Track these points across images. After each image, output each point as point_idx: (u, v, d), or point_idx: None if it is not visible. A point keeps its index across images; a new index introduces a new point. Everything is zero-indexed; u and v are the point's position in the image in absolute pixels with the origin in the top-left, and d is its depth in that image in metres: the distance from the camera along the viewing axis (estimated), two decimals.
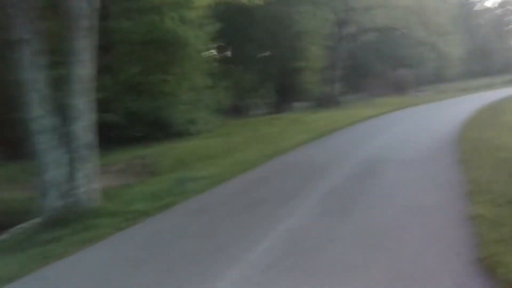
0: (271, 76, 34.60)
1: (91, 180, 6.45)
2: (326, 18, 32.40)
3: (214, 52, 33.84)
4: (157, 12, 15.46)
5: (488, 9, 69.32)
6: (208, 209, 6.69)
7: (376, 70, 41.17)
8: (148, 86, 17.02)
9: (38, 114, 6.05)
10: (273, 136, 16.46)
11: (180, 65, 17.55)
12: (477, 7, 64.00)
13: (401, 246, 4.43)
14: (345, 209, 5.85)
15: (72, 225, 6.08)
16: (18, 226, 7.21)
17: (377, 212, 5.64)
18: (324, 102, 31.94)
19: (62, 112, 6.35)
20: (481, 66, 59.05)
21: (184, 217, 6.43)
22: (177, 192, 7.80)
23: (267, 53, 37.09)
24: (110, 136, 16.03)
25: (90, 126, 6.47)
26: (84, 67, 6.24)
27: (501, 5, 71.86)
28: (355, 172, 8.32)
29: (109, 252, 5.16)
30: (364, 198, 6.39)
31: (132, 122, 16.00)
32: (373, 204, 6.06)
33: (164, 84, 17.27)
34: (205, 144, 15.42)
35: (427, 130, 14.19)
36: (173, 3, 15.76)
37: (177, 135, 17.18)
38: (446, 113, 19.60)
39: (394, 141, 12.36)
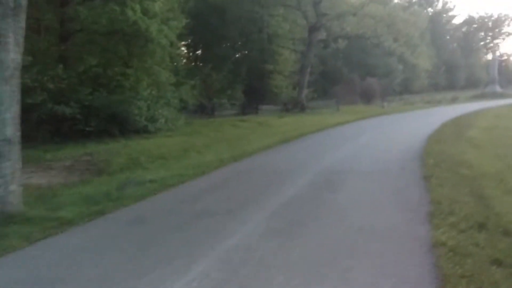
0: (240, 77, 33.99)
1: (9, 181, 5.55)
2: (298, 23, 32.01)
3: (182, 48, 33.03)
4: (119, 2, 14.49)
5: (455, 26, 70.88)
6: (146, 219, 5.89)
7: (345, 78, 41.13)
8: (106, 79, 16.02)
9: None
10: (236, 139, 15.79)
11: (142, 59, 16.61)
12: (445, 23, 65.12)
13: (347, 281, 3.79)
14: (295, 227, 5.18)
15: None
16: None
17: (329, 233, 4.99)
18: (292, 106, 31.47)
19: None
20: (446, 81, 60.21)
21: (114, 228, 5.59)
22: (117, 196, 6.98)
23: (238, 54, 36.49)
24: (62, 130, 15.02)
25: (12, 119, 5.58)
26: (7, 52, 5.36)
27: (466, 23, 73.75)
28: (315, 182, 7.71)
29: (13, 269, 4.31)
30: (319, 214, 5.75)
31: (87, 116, 14.94)
32: (327, 222, 5.42)
33: (124, 78, 16.30)
34: (163, 143, 14.54)
35: (392, 142, 13.73)
36: None
37: (135, 132, 16.21)
38: (412, 125, 19.33)
39: (358, 151, 11.87)
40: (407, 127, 18.40)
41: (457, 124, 17.65)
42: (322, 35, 32.55)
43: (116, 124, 15.98)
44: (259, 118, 24.04)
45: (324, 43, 35.46)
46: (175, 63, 21.91)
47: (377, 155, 11.06)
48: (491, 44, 74.91)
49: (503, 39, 76.90)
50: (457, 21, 72.33)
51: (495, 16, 73.68)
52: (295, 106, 31.27)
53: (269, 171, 9.26)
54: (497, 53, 61.54)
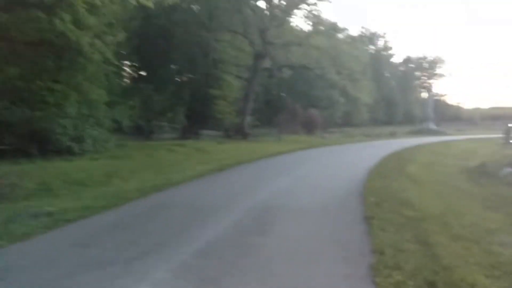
0: (183, 100, 32.76)
1: None
2: (244, 49, 31.52)
3: (125, 68, 31.55)
4: (46, 10, 13.08)
5: (394, 65, 73.83)
6: (11, 271, 4.53)
7: (289, 107, 40.98)
8: (28, 93, 14.39)
9: None
10: (169, 165, 14.60)
11: (71, 74, 15.15)
12: (385, 61, 67.56)
13: None
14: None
15: None
16: None
17: None
18: (234, 133, 30.64)
19: None
20: (385, 116, 62.07)
21: None
22: None
23: (182, 77, 35.34)
24: None
25: None
26: None
27: (405, 62, 77.18)
28: (243, 222, 6.69)
29: None
30: (239, 267, 4.67)
31: (1, 133, 13.26)
32: (247, 281, 4.34)
33: (49, 93, 14.72)
34: (85, 167, 13.08)
35: (332, 175, 13.06)
36: (67, 3, 13.45)
37: (57, 153, 14.59)
38: (352, 158, 18.96)
39: (296, 184, 11.01)
40: (347, 160, 17.96)
41: (397, 159, 17.41)
42: (267, 63, 32.22)
43: (36, 143, 14.34)
44: (198, 143, 22.93)
45: (269, 72, 35.10)
46: (111, 81, 20.43)
47: (315, 189, 10.24)
48: (426, 84, 78.59)
49: (436, 79, 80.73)
50: (396, 60, 75.29)
51: (431, 58, 77.66)
52: (237, 132, 30.47)
53: (192, 207, 8.07)
54: (432, 93, 64.34)
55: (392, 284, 4.20)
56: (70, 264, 4.71)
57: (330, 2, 37.54)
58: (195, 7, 30.42)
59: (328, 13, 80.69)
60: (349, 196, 9.14)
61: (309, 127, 38.63)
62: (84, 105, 16.44)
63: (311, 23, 32.42)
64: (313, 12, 30.44)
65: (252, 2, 30.34)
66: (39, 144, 14.18)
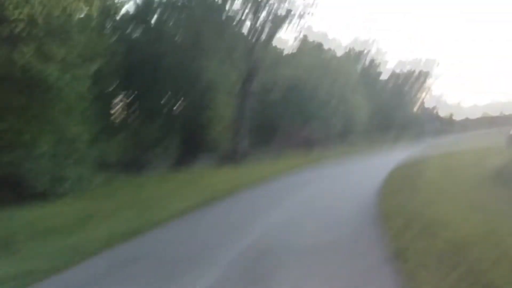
0: (176, 128, 31.20)
1: None
2: (232, 73, 30.20)
3: (113, 101, 30.26)
4: (7, 42, 11.73)
5: (383, 80, 71.68)
6: None
7: (285, 126, 39.51)
8: None
9: None
10: (155, 199, 13.00)
11: (44, 110, 13.72)
12: (374, 77, 66.00)
13: None
14: None
15: None
16: None
17: None
18: (230, 157, 29.07)
19: None
20: (380, 130, 60.64)
21: None
22: None
23: (173, 104, 33.92)
24: None
25: None
26: None
27: (392, 77, 75.34)
28: (229, 278, 5.06)
29: None
30: None
31: None
32: None
33: (20, 133, 13.23)
34: (61, 211, 11.53)
35: (339, 196, 11.32)
36: (31, 34, 12.09)
37: (38, 196, 13.06)
38: (359, 173, 17.28)
39: (297, 213, 9.27)
40: (354, 176, 16.27)
41: (410, 167, 15.74)
42: (256, 86, 30.91)
43: (11, 188, 12.84)
44: (190, 174, 21.39)
45: (260, 94, 33.71)
46: (93, 117, 18.98)
47: (320, 217, 8.50)
48: (416, 97, 76.88)
49: (425, 92, 78.84)
50: (384, 76, 73.08)
51: (416, 72, 75.79)
52: (234, 156, 28.93)
53: (165, 259, 6.24)
54: (424, 106, 62.83)
55: None
56: None
57: (313, 15, 35.55)
58: (178, 35, 29.38)
59: (317, 22, 79.21)
60: (364, 222, 7.48)
61: (308, 143, 37.16)
62: (63, 143, 14.95)
63: (299, 38, 31.23)
64: (301, 26, 29.27)
65: (235, 27, 29.32)
66: (14, 188, 12.68)
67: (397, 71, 74.00)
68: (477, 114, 76.45)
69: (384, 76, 70.92)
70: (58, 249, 7.07)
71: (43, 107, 13.67)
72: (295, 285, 4.71)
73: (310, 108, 42.95)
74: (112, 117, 28.88)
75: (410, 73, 75.66)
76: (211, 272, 5.25)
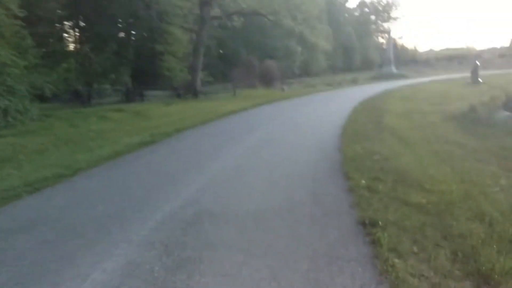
0: (126, 59, 28.72)
1: None
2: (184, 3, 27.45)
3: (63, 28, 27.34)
4: None
5: (349, 10, 70.48)
6: None
7: (244, 61, 37.57)
8: None
9: None
10: (93, 137, 11.37)
11: None
12: (340, 6, 64.08)
13: None
14: None
15: None
16: None
17: None
18: (184, 92, 27.26)
19: None
20: (343, 63, 59.55)
21: None
22: None
23: (123, 33, 31.10)
24: None
25: None
26: None
27: (359, 6, 74.03)
28: (153, 246, 3.79)
29: None
30: None
31: None
32: None
33: None
34: None
35: (297, 140, 9.77)
36: None
37: None
38: (318, 112, 16.07)
39: (247, 160, 7.69)
40: (313, 115, 15.02)
41: (369, 109, 14.76)
42: (215, 11, 28.45)
43: None
44: (140, 106, 19.63)
45: (218, 21, 31.27)
46: (28, 42, 16.64)
47: (273, 168, 6.84)
48: (383, 27, 76.02)
49: (392, 23, 78.05)
50: (350, 5, 71.75)
51: (385, 1, 74.65)
52: (187, 91, 27.13)
53: (71, 224, 4.66)
54: (391, 36, 61.57)
55: None
56: None
57: None
58: None
59: None
60: (324, 175, 6.27)
61: (267, 79, 35.50)
62: None
63: None
64: None
65: None
66: None
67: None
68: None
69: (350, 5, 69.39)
70: None
71: None
72: (233, 261, 3.53)
73: (272, 40, 41.04)
74: (57, 44, 26.06)
75: (377, 2, 74.36)
76: (139, 235, 3.95)
